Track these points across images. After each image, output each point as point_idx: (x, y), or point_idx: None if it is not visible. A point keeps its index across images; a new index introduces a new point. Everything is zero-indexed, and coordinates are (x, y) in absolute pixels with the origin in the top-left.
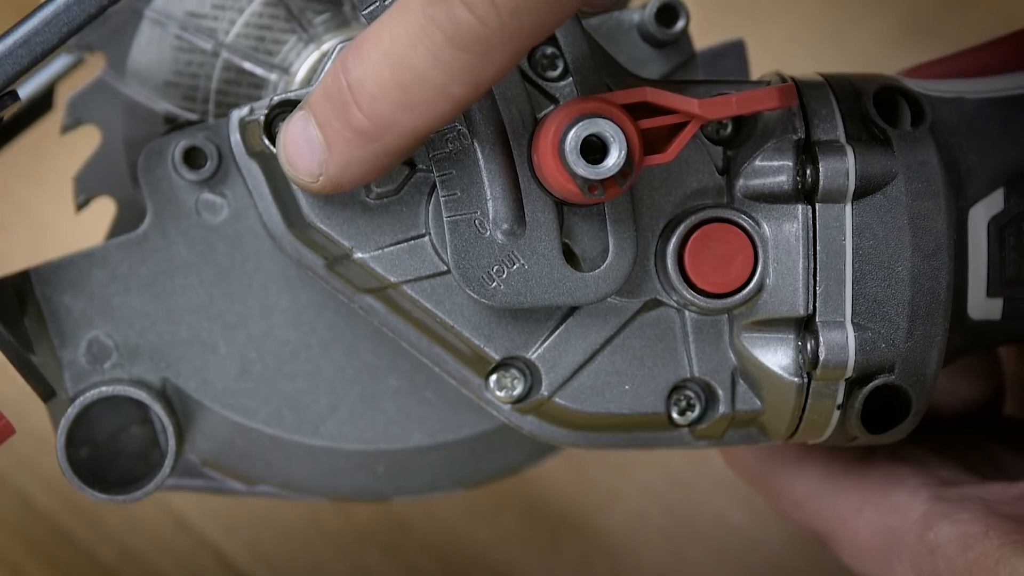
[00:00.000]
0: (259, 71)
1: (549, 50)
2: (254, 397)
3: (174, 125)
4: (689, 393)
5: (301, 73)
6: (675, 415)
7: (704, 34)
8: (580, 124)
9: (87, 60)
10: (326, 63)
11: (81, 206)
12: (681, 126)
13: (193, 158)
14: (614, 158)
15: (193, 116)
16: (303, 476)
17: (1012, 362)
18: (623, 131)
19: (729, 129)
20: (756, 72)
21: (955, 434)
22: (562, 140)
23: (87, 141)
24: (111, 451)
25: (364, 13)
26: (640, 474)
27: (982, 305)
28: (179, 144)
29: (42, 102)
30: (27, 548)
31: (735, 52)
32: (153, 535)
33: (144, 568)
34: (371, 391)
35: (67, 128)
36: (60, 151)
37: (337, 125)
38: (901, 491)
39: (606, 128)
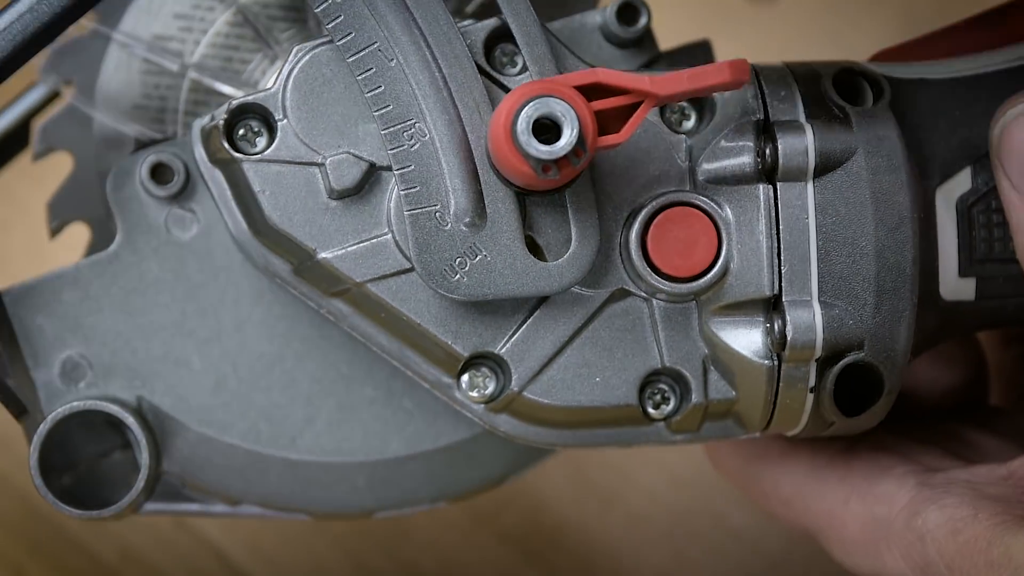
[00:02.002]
0: (227, 90)
1: (509, 47)
2: (230, 412)
3: (142, 145)
4: (663, 386)
5: None
6: (650, 409)
7: (702, 35)
8: (531, 105)
9: (63, 92)
10: (284, 65)
11: (55, 231)
12: (636, 107)
13: (160, 174)
14: (566, 137)
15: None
16: (283, 492)
17: (995, 352)
18: (575, 110)
19: (692, 120)
20: None
21: (938, 424)
22: (514, 122)
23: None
24: (93, 478)
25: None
26: (640, 476)
27: (954, 285)
28: (146, 160)
29: (17, 138)
30: (29, 548)
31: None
32: (153, 535)
33: (144, 568)
34: (347, 401)
35: (39, 155)
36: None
37: None
38: (887, 480)
39: (557, 108)
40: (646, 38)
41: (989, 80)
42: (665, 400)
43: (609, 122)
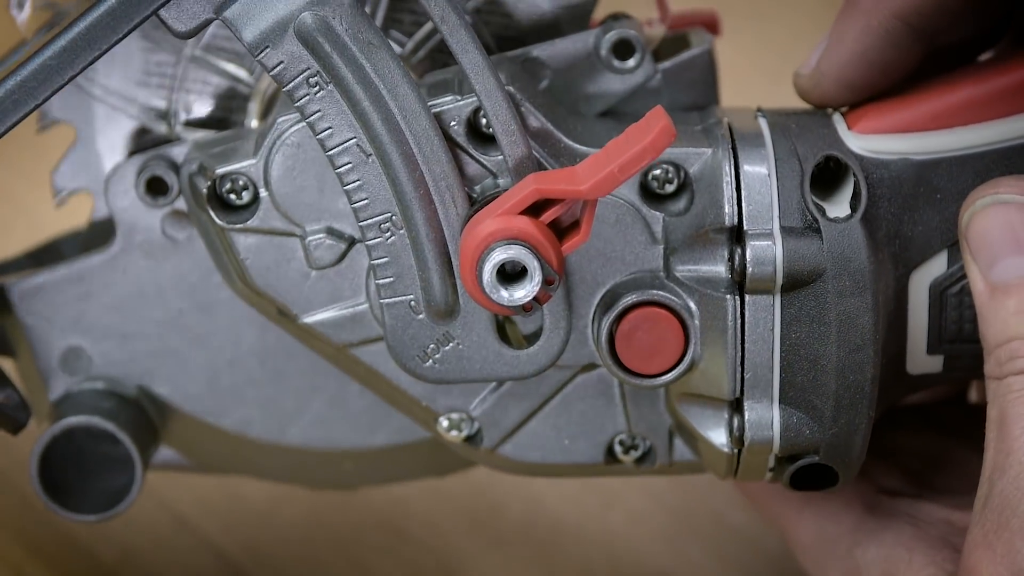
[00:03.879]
0: (230, 68)
1: None
2: (224, 403)
3: (143, 142)
4: (634, 435)
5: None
6: (619, 452)
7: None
8: (491, 256)
9: None
10: (267, 138)
11: (61, 202)
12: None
13: (156, 187)
14: (533, 281)
15: (162, 128)
16: (273, 471)
17: None
18: (536, 252)
19: (675, 184)
20: (752, 73)
21: (911, 427)
22: (479, 274)
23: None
24: (96, 457)
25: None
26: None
27: (922, 361)
28: (142, 175)
29: None
30: (28, 548)
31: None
32: (153, 535)
33: (144, 568)
34: (336, 395)
35: (43, 128)
36: (59, 150)
37: None
38: (838, 498)
39: (518, 254)
40: (644, 61)
41: (973, 163)
42: (634, 447)
43: (567, 224)
